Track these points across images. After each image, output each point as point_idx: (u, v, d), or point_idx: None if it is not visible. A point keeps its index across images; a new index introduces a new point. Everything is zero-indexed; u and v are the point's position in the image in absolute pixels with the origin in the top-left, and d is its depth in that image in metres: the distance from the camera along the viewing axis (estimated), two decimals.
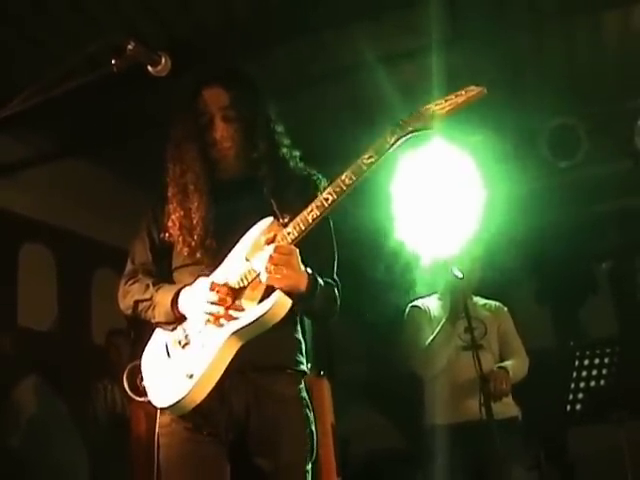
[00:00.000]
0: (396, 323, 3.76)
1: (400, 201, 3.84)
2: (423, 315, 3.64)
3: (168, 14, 4.07)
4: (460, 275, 3.26)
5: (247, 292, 1.92)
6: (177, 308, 2.01)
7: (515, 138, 5.27)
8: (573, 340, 4.04)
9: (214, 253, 2.03)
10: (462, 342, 3.47)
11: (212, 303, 1.90)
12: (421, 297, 3.75)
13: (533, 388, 3.60)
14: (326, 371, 4.15)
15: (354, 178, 1.85)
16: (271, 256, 1.85)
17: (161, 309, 2.04)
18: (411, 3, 4.06)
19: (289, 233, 1.90)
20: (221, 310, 1.90)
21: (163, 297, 2.04)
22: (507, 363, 3.51)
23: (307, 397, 2.09)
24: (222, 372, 1.90)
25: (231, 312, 1.91)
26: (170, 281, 2.12)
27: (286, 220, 1.93)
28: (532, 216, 5.88)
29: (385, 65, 4.33)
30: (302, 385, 2.09)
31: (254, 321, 1.87)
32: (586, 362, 3.74)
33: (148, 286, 2.10)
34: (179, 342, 2.00)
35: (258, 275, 1.89)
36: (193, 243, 2.04)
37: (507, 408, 3.45)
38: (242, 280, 1.93)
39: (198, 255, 2.04)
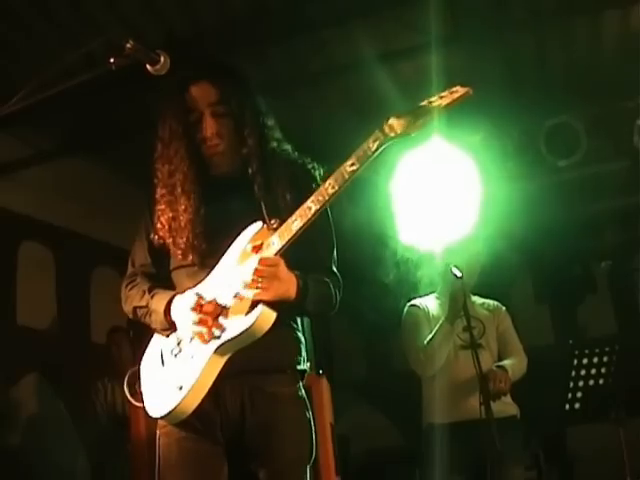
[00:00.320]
0: (396, 323, 3.75)
1: (400, 200, 3.85)
2: (422, 314, 3.64)
3: (167, 12, 4.07)
4: (459, 274, 3.26)
5: (235, 303, 1.90)
6: (169, 317, 2.01)
7: (514, 137, 5.26)
8: (572, 339, 4.03)
9: (204, 255, 2.02)
10: (461, 341, 3.48)
11: (194, 323, 1.90)
12: (419, 296, 3.75)
13: (532, 387, 3.60)
14: (326, 371, 4.15)
15: (336, 187, 1.80)
16: (256, 269, 1.83)
17: (156, 317, 2.04)
18: (411, 1, 4.06)
19: (273, 243, 1.87)
20: (204, 329, 1.89)
21: (157, 305, 2.03)
22: (506, 362, 3.51)
23: (306, 396, 2.08)
24: (212, 382, 1.90)
25: (214, 329, 1.90)
26: (170, 282, 2.12)
27: (274, 225, 1.90)
28: (531, 215, 5.88)
29: (385, 63, 4.34)
30: (300, 384, 2.08)
31: (237, 336, 1.86)
32: (585, 361, 3.73)
33: (144, 292, 2.09)
34: (172, 351, 2.01)
35: (245, 286, 1.87)
36: (183, 245, 2.02)
37: (506, 407, 3.45)
38: (230, 291, 1.91)
39: (190, 257, 2.03)
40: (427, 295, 3.76)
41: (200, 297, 1.92)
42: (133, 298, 2.12)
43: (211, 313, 1.91)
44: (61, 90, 1.65)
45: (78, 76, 1.66)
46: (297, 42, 4.35)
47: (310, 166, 2.12)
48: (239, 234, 1.99)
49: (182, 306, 1.95)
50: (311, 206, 1.83)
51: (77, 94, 1.65)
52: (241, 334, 1.85)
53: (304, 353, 2.11)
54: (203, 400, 1.91)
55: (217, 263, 2.01)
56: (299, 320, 2.14)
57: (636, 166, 5.12)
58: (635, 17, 4.50)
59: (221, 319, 1.91)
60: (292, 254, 1.90)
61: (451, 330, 3.43)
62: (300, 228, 1.84)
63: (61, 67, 1.62)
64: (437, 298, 3.72)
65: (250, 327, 1.84)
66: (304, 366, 2.09)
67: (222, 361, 1.91)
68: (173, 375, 1.96)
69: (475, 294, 3.76)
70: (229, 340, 1.87)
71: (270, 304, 1.86)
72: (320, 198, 1.82)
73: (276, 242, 1.87)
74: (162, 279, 2.13)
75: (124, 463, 4.35)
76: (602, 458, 4.58)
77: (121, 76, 1.68)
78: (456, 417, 3.41)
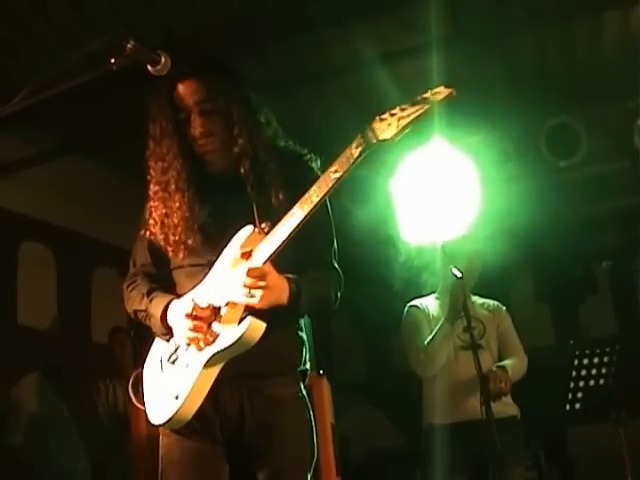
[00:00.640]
0: (396, 323, 3.75)
1: (400, 200, 3.86)
2: (422, 315, 3.63)
3: (167, 13, 4.08)
4: (459, 274, 3.26)
5: (228, 311, 1.90)
6: (166, 322, 2.00)
7: (515, 138, 5.26)
8: (572, 339, 4.03)
9: (197, 253, 2.02)
10: (461, 342, 3.47)
11: (189, 329, 1.89)
12: (419, 297, 3.75)
13: (532, 387, 3.60)
14: (326, 371, 4.15)
15: (321, 194, 1.79)
16: (245, 279, 1.82)
17: (155, 322, 2.04)
18: (411, 1, 4.06)
19: (262, 250, 1.86)
20: (199, 335, 1.89)
21: (155, 310, 2.03)
22: (506, 362, 3.51)
23: (307, 397, 2.07)
24: (208, 390, 1.90)
25: (207, 336, 1.89)
26: (171, 282, 2.11)
27: (265, 229, 1.89)
28: (531, 215, 5.88)
29: (385, 63, 4.34)
30: (302, 385, 2.06)
31: (229, 347, 1.86)
32: (585, 361, 3.73)
33: (143, 296, 2.08)
34: (170, 357, 2.01)
35: (236, 294, 1.87)
36: (174, 242, 2.02)
37: (506, 407, 3.45)
38: (223, 297, 1.91)
39: (180, 255, 2.02)
40: (427, 295, 3.76)
41: (195, 303, 1.91)
42: (134, 300, 2.11)
43: (206, 319, 1.90)
44: (62, 90, 1.65)
45: (79, 76, 1.65)
46: (297, 42, 4.35)
47: (306, 158, 2.09)
48: (233, 235, 1.97)
49: (178, 312, 1.95)
50: (297, 212, 1.81)
51: (78, 94, 1.65)
52: (231, 345, 1.85)
53: (306, 353, 2.09)
54: (202, 403, 1.91)
55: (212, 263, 2.00)
56: (298, 320, 2.11)
57: (636, 166, 5.12)
58: (635, 17, 4.50)
59: (215, 326, 1.90)
60: (291, 249, 1.87)
61: (451, 330, 3.43)
62: (289, 234, 1.82)
63: (62, 67, 1.62)
64: (437, 298, 3.71)
65: (239, 339, 1.84)
66: (306, 366, 2.08)
67: (216, 370, 1.91)
68: (170, 383, 1.96)
69: (475, 294, 3.76)
70: (221, 351, 1.87)
71: (262, 311, 1.85)
72: (305, 206, 1.80)
73: (265, 249, 1.85)
74: (163, 279, 2.12)
75: (125, 463, 4.36)
76: (603, 458, 4.57)
77: (122, 76, 1.67)
78: (456, 417, 3.41)
